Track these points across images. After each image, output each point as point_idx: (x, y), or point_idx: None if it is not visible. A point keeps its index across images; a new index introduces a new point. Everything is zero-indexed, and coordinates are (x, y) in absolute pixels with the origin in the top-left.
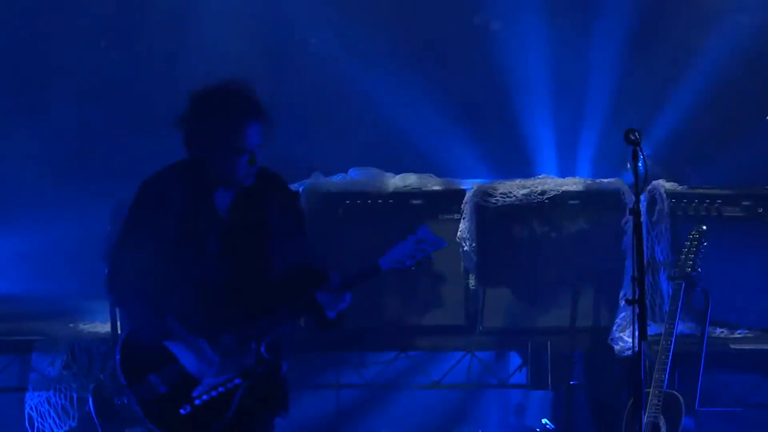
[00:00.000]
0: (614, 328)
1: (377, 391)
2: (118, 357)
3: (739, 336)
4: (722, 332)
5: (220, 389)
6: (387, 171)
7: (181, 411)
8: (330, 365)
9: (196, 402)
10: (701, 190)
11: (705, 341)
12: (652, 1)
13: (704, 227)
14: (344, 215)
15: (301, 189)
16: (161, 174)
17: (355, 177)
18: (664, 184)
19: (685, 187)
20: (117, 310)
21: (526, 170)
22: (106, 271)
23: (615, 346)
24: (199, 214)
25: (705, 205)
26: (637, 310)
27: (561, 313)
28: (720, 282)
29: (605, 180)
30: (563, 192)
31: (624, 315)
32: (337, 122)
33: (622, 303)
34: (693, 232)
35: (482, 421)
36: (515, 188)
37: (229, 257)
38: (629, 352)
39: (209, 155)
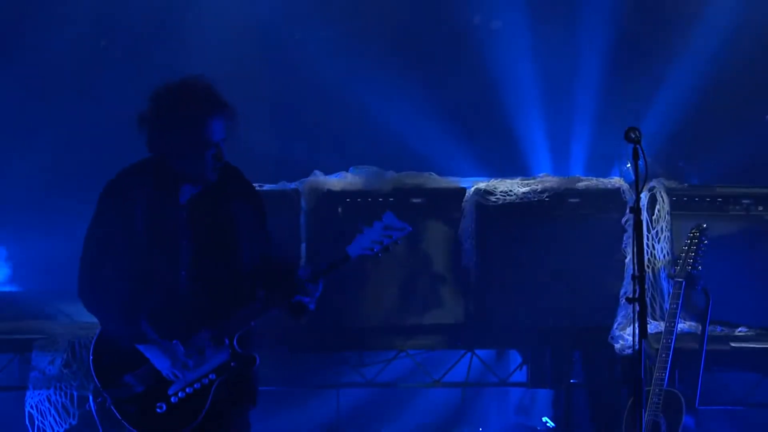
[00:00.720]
0: (614, 326)
1: (377, 391)
2: (91, 358)
3: (739, 334)
4: (722, 330)
5: (196, 386)
6: (387, 169)
7: (158, 409)
8: (330, 365)
9: (173, 399)
10: (701, 189)
11: (705, 339)
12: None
13: (705, 225)
14: (344, 214)
15: (300, 187)
16: (124, 174)
17: (354, 175)
18: (664, 183)
19: (686, 185)
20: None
21: (520, 170)
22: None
23: (615, 345)
24: (165, 212)
25: (705, 203)
26: (637, 309)
27: (561, 312)
28: (720, 280)
29: (606, 178)
30: (564, 190)
31: (624, 313)
32: (337, 121)
33: (623, 301)
34: (693, 231)
35: (482, 419)
36: (516, 186)
37: (198, 254)
38: (629, 351)
39: (175, 151)
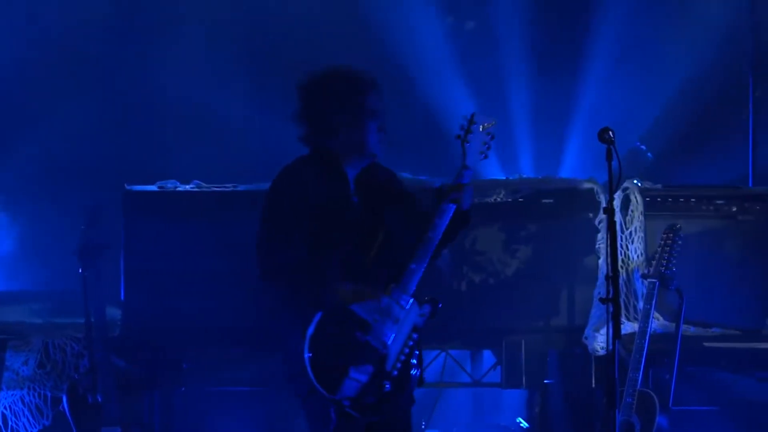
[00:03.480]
0: (588, 326)
1: None
2: (312, 377)
3: (713, 334)
4: (696, 331)
5: (405, 351)
6: None
7: (385, 389)
8: None
9: (394, 373)
10: (675, 189)
11: (679, 340)
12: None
13: (678, 226)
14: None
15: None
16: (288, 169)
17: None
18: (638, 183)
19: (659, 186)
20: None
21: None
22: (259, 269)
23: (589, 345)
24: (336, 195)
25: (679, 203)
26: (611, 309)
27: (535, 312)
28: (694, 281)
29: (579, 179)
30: (537, 191)
31: (598, 314)
32: None
33: (596, 302)
34: (667, 231)
35: (455, 420)
36: (489, 187)
37: (370, 229)
38: (603, 351)
39: (342, 130)
